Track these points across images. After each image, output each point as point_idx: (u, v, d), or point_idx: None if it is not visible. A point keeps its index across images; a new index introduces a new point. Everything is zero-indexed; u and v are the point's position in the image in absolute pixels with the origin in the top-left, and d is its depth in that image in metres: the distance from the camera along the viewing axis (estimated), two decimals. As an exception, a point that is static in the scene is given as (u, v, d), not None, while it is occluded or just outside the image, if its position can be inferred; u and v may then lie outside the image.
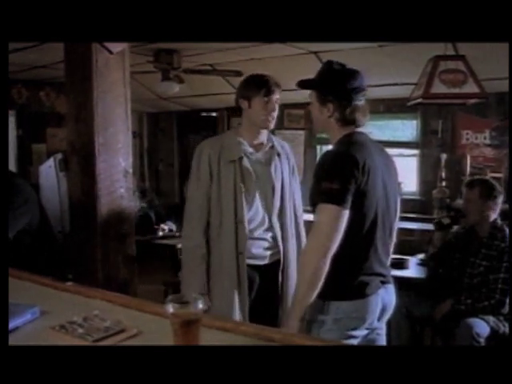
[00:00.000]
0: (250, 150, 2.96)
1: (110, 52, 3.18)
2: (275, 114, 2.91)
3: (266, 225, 2.95)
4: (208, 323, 1.52)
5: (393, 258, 4.11)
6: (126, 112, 3.33)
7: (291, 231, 3.03)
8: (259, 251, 2.93)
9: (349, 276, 2.26)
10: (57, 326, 1.50)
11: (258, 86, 2.86)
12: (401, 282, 3.85)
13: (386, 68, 5.45)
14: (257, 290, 2.92)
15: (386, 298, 2.36)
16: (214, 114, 8.84)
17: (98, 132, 3.11)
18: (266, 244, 2.95)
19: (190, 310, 1.30)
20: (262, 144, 3.00)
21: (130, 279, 3.23)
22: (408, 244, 4.33)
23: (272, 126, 2.94)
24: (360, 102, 2.35)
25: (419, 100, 4.38)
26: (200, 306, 1.30)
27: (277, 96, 2.90)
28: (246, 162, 2.91)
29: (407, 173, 6.81)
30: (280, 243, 2.96)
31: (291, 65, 5.38)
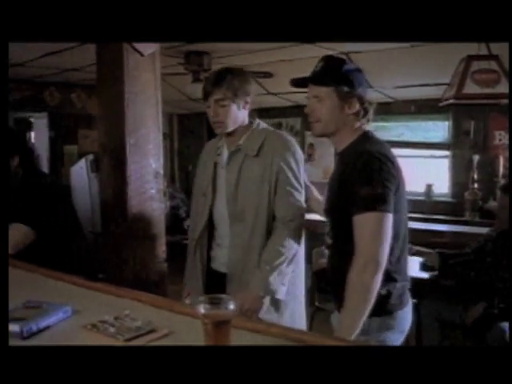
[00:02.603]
0: (223, 151, 2.71)
1: (141, 54, 3.20)
2: (219, 118, 2.55)
3: (218, 231, 2.71)
4: (239, 324, 1.52)
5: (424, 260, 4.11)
6: (157, 113, 3.35)
7: (250, 242, 2.58)
8: (215, 256, 2.74)
9: (400, 282, 2.12)
10: (88, 325, 1.51)
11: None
12: (431, 285, 3.84)
13: (417, 68, 5.40)
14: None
15: None
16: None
17: (128, 133, 3.13)
18: (217, 251, 2.73)
19: (221, 310, 1.30)
20: (235, 145, 2.65)
21: (159, 280, 3.25)
22: (439, 246, 4.27)
23: (221, 131, 2.60)
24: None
25: (451, 100, 4.33)
26: (231, 307, 1.30)
27: (215, 97, 2.52)
28: (208, 164, 2.76)
29: (439, 174, 6.76)
30: (226, 253, 2.66)
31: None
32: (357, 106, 2.14)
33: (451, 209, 6.57)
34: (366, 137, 2.17)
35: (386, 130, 6.74)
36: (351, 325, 1.95)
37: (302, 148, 7.55)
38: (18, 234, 2.57)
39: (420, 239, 4.59)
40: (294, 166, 2.57)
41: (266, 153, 2.56)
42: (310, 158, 7.60)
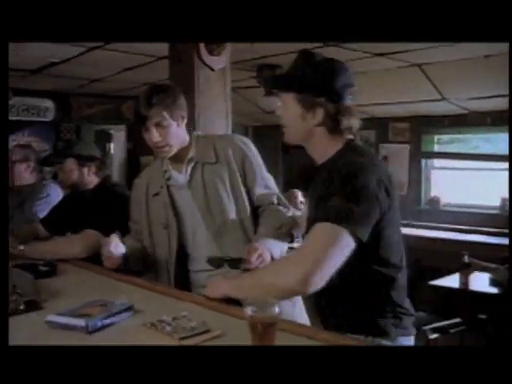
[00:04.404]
0: (172, 173, 2.43)
1: (212, 69, 3.33)
2: (163, 142, 2.27)
3: (196, 255, 2.42)
4: (288, 328, 1.59)
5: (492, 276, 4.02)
6: (227, 125, 3.47)
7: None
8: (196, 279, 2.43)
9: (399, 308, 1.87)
10: (148, 324, 1.61)
11: None
12: (500, 300, 3.76)
13: (491, 79, 5.31)
14: None
15: None
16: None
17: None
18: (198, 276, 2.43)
19: (266, 313, 1.36)
20: (185, 161, 2.38)
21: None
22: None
23: (168, 154, 2.33)
24: (351, 101, 1.88)
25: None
26: (276, 310, 1.36)
27: (154, 120, 2.24)
28: (160, 191, 2.43)
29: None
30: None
31: (394, 78, 5.34)
32: (321, 116, 1.85)
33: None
34: (349, 148, 1.89)
35: (461, 143, 6.61)
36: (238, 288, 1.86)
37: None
38: (92, 239, 2.70)
39: (494, 253, 4.49)
40: (256, 159, 2.44)
41: (224, 156, 2.36)
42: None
